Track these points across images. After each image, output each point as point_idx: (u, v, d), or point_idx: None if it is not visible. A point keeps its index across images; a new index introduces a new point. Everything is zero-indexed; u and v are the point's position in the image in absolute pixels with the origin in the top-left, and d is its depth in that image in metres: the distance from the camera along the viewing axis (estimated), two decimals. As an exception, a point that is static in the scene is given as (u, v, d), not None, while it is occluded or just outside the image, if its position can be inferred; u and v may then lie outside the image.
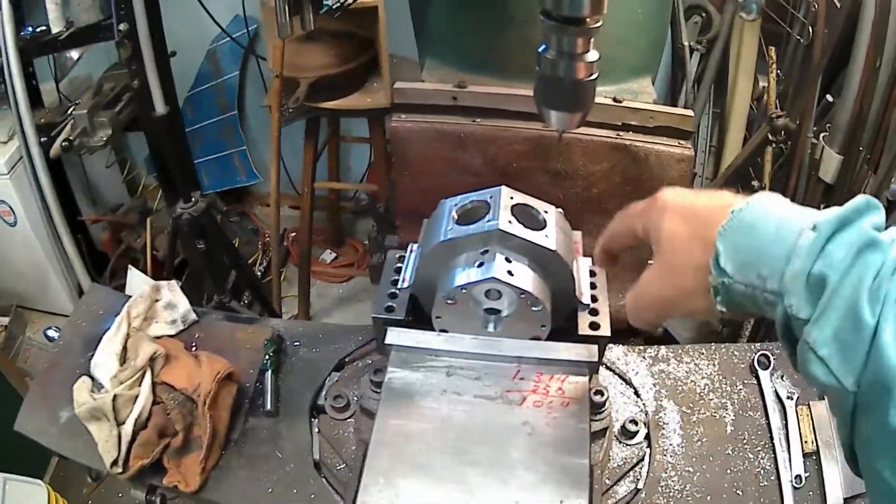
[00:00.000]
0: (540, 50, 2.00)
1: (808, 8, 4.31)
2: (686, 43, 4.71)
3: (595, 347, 2.09)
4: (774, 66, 4.17)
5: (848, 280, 1.10)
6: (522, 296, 1.99)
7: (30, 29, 4.76)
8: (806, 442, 2.38)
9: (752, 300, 1.26)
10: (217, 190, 6.77)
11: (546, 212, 2.10)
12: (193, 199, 4.03)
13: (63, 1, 4.63)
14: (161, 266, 5.63)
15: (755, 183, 4.14)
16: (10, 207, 5.43)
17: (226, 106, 6.61)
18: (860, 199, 1.19)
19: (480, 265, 1.98)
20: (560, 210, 2.16)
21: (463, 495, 1.82)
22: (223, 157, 6.81)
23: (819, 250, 1.15)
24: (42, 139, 4.95)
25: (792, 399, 2.48)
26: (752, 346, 2.66)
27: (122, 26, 4.36)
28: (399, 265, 2.30)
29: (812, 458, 2.36)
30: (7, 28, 4.63)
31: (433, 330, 2.14)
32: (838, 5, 4.06)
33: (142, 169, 7.00)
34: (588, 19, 1.87)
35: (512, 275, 1.96)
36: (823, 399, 2.47)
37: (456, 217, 2.09)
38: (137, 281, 3.35)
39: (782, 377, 2.55)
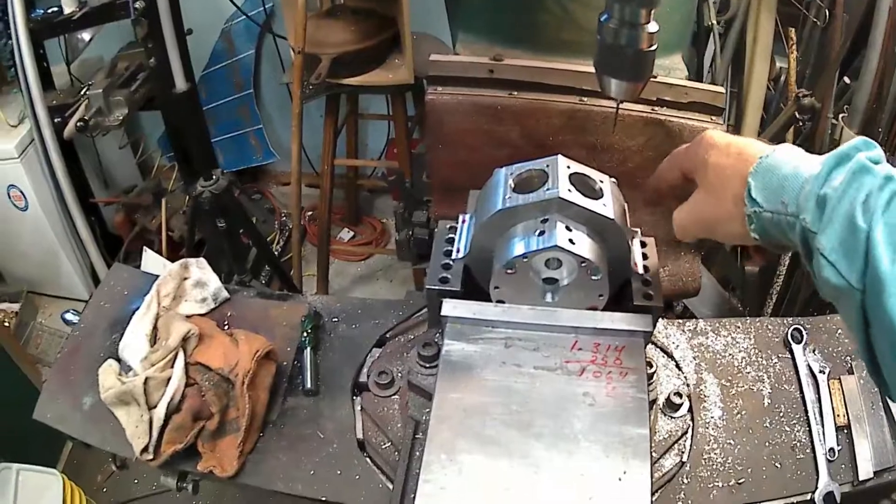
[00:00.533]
0: (602, 19, 2.00)
1: (825, -9, 4.31)
2: (714, 22, 4.70)
3: (650, 317, 2.08)
4: (794, 47, 4.17)
5: (846, 197, 1.36)
6: (583, 264, 1.97)
7: (40, 11, 4.75)
8: (838, 415, 2.41)
9: (778, 226, 1.52)
10: (233, 169, 6.81)
11: (601, 181, 2.09)
12: (214, 177, 4.00)
13: (77, -20, 4.62)
14: (176, 247, 5.62)
15: (777, 162, 4.16)
16: (21, 192, 5.39)
17: (241, 85, 6.59)
18: (857, 139, 1.46)
19: (541, 234, 1.95)
20: (614, 180, 2.15)
21: (528, 469, 1.80)
22: (239, 136, 6.81)
23: (824, 178, 1.42)
24: (55, 120, 4.94)
25: (824, 373, 2.52)
26: (786, 321, 2.70)
27: (139, 4, 4.33)
28: (451, 236, 2.26)
29: (843, 431, 2.39)
30: (17, 10, 4.62)
31: (487, 301, 2.12)
32: (855, -14, 4.06)
33: (155, 150, 6.99)
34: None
35: (573, 243, 1.95)
36: (853, 374, 2.52)
37: (513, 185, 2.07)
38: (153, 262, 3.34)
39: (814, 351, 2.59)
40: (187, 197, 5.77)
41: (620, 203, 2.12)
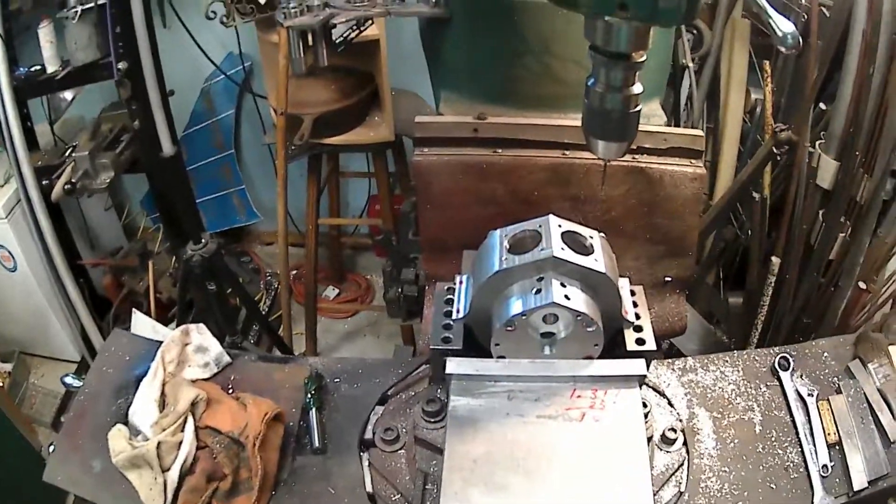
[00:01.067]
0: (588, 83, 2.07)
1: (797, 18, 4.36)
2: (690, 64, 4.74)
3: (643, 361, 2.19)
4: (769, 79, 4.24)
5: None
6: (579, 318, 2.08)
7: (23, 69, 4.76)
8: (829, 434, 2.50)
9: None
10: (217, 230, 6.75)
11: (591, 237, 2.19)
12: (204, 241, 4.05)
13: (59, 40, 4.62)
14: (164, 308, 5.65)
15: (755, 195, 4.21)
16: (10, 252, 5.40)
17: (222, 145, 6.60)
18: None
19: (538, 292, 2.06)
20: (603, 234, 2.26)
21: (540, 513, 1.89)
22: (222, 197, 6.82)
23: None
24: (42, 182, 4.94)
25: (812, 396, 2.61)
26: (772, 350, 2.78)
27: (122, 65, 4.35)
28: (449, 297, 2.36)
29: (835, 448, 2.48)
30: (1, 68, 4.63)
31: (486, 357, 2.21)
32: (827, 14, 4.12)
33: (139, 212, 7.00)
34: (633, 54, 1.95)
35: (569, 299, 2.05)
36: (841, 393, 2.61)
37: (508, 247, 2.17)
38: (142, 324, 3.39)
39: (801, 376, 2.69)
40: (173, 259, 5.82)
41: (610, 256, 2.22)
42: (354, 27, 3.10)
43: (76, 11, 4.39)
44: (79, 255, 5.76)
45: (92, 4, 4.37)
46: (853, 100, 3.78)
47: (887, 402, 2.57)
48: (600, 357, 2.22)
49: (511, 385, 2.15)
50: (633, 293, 2.38)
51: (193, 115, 6.53)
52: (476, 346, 2.27)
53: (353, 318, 6.88)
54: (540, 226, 2.17)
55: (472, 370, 2.17)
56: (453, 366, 2.17)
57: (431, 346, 2.26)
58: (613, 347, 2.28)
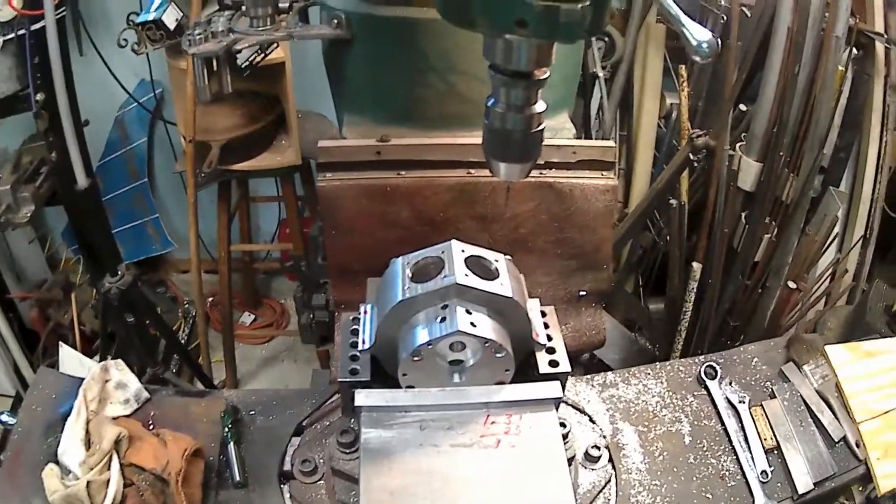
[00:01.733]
0: (488, 104, 2.04)
1: (716, 21, 4.38)
2: (600, 73, 4.74)
3: (558, 384, 2.16)
4: (686, 84, 4.25)
5: None
6: (487, 344, 2.05)
7: (-54, 104, 4.69)
8: (765, 439, 2.51)
9: None
10: (134, 260, 6.72)
11: (497, 261, 2.17)
12: (120, 273, 4.01)
13: (-21, 72, 4.56)
14: (90, 340, 5.59)
15: (673, 202, 4.21)
16: (-63, 289, 5.28)
17: (136, 174, 6.54)
18: None
19: (443, 320, 2.03)
20: (509, 257, 2.23)
21: (460, 543, 1.86)
22: (137, 227, 6.75)
23: None
24: (-34, 216, 4.84)
25: (744, 402, 2.61)
26: (697, 360, 2.78)
27: (40, 96, 4.29)
28: (355, 327, 2.33)
29: (774, 453, 2.49)
30: (-75, 101, 4.53)
31: (396, 386, 2.18)
32: (748, 15, 4.14)
33: (61, 244, 6.89)
34: (535, 72, 1.94)
35: (475, 326, 2.02)
36: (775, 398, 2.62)
37: (410, 275, 2.14)
38: (70, 358, 3.34)
39: (731, 384, 2.68)
40: (94, 291, 5.75)
41: (517, 279, 2.20)
42: (259, 51, 3.06)
43: (-2, 43, 4.34)
44: (6, 290, 5.72)
45: (12, 35, 4.30)
46: (777, 99, 3.81)
47: (827, 403, 2.60)
48: (514, 381, 2.19)
49: (423, 414, 2.12)
50: (543, 314, 2.36)
51: (108, 144, 6.49)
52: (386, 375, 2.24)
53: (270, 343, 6.89)
54: (443, 252, 2.14)
55: (382, 401, 2.13)
56: (362, 398, 2.13)
57: (339, 379, 2.23)
58: (527, 370, 2.25)
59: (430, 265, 2.16)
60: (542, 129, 2.09)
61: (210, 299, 6.76)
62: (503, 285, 2.09)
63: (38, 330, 5.96)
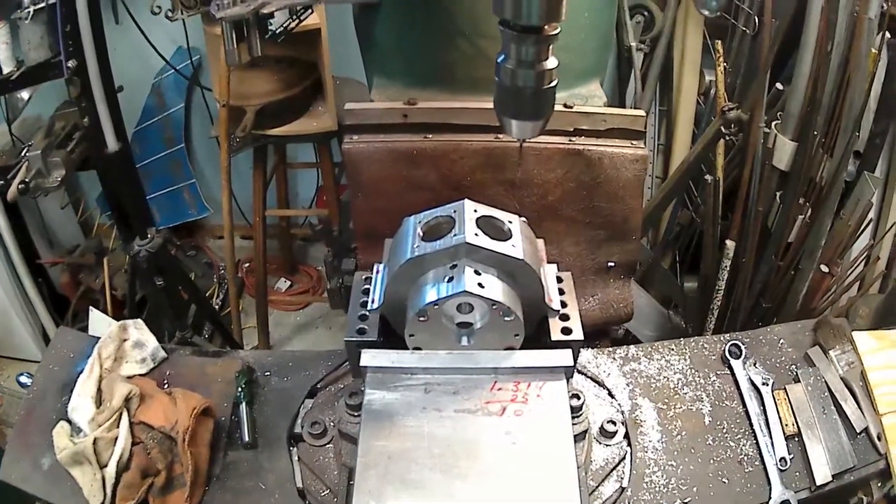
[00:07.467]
0: (499, 60, 2.02)
1: (753, -1, 4.32)
2: (633, 43, 4.72)
3: (569, 352, 2.11)
4: (721, 59, 4.18)
5: None
6: (494, 307, 2.01)
7: (-22, 71, 4.72)
8: (787, 425, 2.44)
9: None
10: (169, 225, 6.67)
11: (510, 222, 2.12)
12: (149, 236, 4.00)
13: (13, 40, 4.58)
14: (121, 305, 5.59)
15: (708, 177, 4.15)
16: (-32, 254, 5.33)
17: (173, 140, 6.54)
18: None
19: (450, 280, 1.99)
20: (524, 219, 2.18)
21: (456, 510, 1.82)
22: (173, 192, 6.74)
23: None
24: (-1, 182, 4.88)
25: (767, 385, 2.54)
26: (722, 338, 2.72)
27: (71, 63, 4.30)
28: (366, 286, 2.30)
29: (794, 440, 2.42)
30: (-43, 71, 4.55)
31: (406, 348, 2.14)
32: (784, -10, 4.08)
33: (95, 209, 6.91)
34: (546, 27, 1.89)
35: (483, 287, 1.98)
36: (799, 382, 2.54)
37: (421, 234, 2.10)
38: (99, 322, 3.33)
39: (755, 364, 2.62)
40: (126, 255, 5.78)
41: (531, 241, 2.14)
42: (293, 17, 3.05)
43: (29, 12, 4.35)
44: (37, 255, 5.75)
45: (43, 4, 4.32)
46: (811, 78, 3.74)
47: (851, 391, 2.53)
48: (526, 347, 2.14)
49: (428, 378, 2.09)
50: (560, 280, 2.31)
51: (145, 111, 6.48)
52: (397, 337, 2.19)
53: (305, 309, 6.83)
54: (455, 211, 2.10)
55: (388, 362, 2.10)
56: (368, 358, 2.11)
57: (345, 339, 2.20)
58: (541, 336, 2.20)
59: (442, 224, 2.12)
60: (554, 86, 2.05)
61: (246, 265, 6.79)
62: (515, 247, 2.04)
63: (69, 295, 5.98)
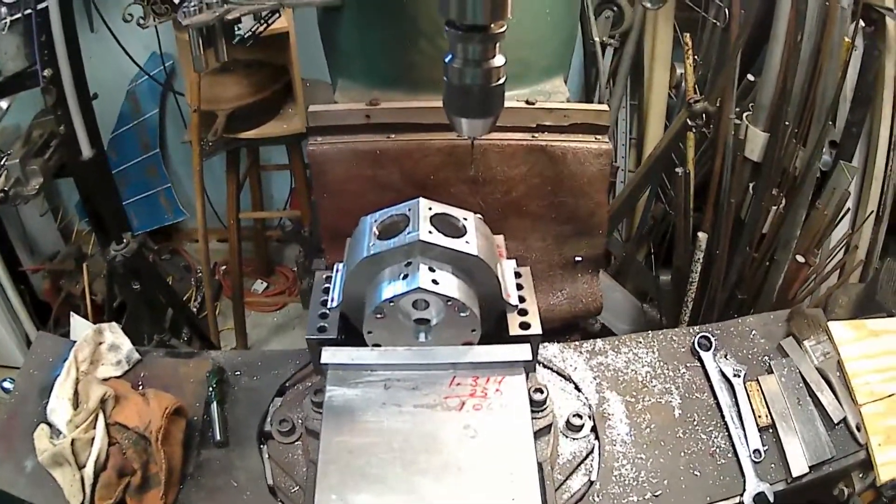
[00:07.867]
0: (447, 60, 2.03)
1: (720, -13, 4.34)
2: (597, 39, 4.71)
3: (528, 346, 2.13)
4: (690, 52, 4.20)
5: None
6: (449, 303, 2.03)
7: (-43, 81, 4.73)
8: (760, 417, 2.44)
9: None
10: (146, 230, 6.71)
11: (465, 219, 2.14)
12: (125, 241, 4.02)
13: (-10, 51, 4.60)
14: (101, 310, 5.61)
15: (679, 169, 4.17)
16: (-49, 263, 5.31)
17: (148, 145, 6.57)
18: None
19: (405, 277, 2.02)
20: (479, 216, 2.21)
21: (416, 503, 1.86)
22: (149, 197, 6.78)
23: None
24: (-21, 192, 4.88)
25: (739, 376, 2.54)
26: (691, 330, 2.74)
27: (47, 72, 4.33)
28: (327, 285, 2.33)
29: (769, 431, 2.43)
30: (-65, 81, 4.57)
31: (365, 346, 2.17)
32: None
33: (74, 215, 6.92)
34: (492, 25, 1.91)
35: (437, 283, 2.00)
36: (772, 373, 2.56)
37: (377, 233, 2.12)
38: (80, 327, 3.36)
39: (726, 356, 2.62)
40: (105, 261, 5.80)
41: (487, 237, 2.16)
42: (260, 22, 3.07)
43: (5, 23, 4.37)
44: (19, 262, 5.74)
45: (19, 15, 4.34)
46: (782, 68, 3.76)
47: (828, 382, 2.53)
48: (486, 343, 2.17)
49: (388, 374, 2.12)
50: (518, 275, 2.33)
51: (121, 117, 6.52)
52: (356, 335, 2.21)
53: (282, 310, 6.87)
54: (409, 209, 2.13)
55: (348, 359, 2.14)
56: (328, 355, 2.14)
57: (307, 337, 2.22)
58: (501, 332, 2.22)
59: (397, 223, 2.14)
60: (503, 84, 2.07)
61: (223, 267, 6.81)
62: (469, 243, 2.06)
63: (51, 302, 5.99)
